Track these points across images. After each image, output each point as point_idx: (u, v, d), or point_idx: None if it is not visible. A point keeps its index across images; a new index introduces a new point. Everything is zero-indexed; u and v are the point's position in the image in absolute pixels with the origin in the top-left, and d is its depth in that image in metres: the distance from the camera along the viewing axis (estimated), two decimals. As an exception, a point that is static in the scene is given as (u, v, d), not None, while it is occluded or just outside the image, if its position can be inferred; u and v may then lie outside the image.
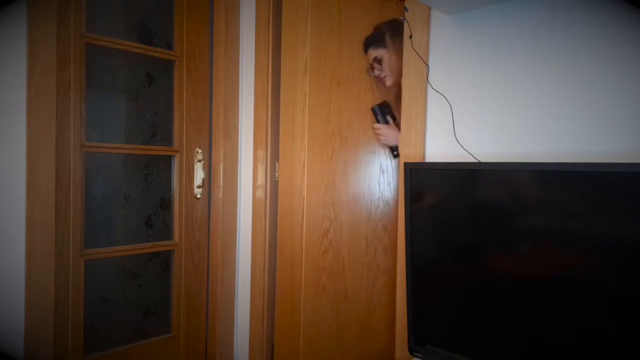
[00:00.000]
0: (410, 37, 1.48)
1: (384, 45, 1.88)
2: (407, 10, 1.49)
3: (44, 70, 1.60)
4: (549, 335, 1.06)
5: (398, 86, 1.87)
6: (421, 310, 1.32)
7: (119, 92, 1.93)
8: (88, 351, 1.81)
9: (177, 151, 2.07)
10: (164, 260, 2.09)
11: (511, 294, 1.13)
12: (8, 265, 1.55)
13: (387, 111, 1.94)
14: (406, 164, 1.32)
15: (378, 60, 1.90)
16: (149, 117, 2.02)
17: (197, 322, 2.16)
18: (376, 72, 1.93)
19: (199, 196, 2.14)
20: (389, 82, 1.92)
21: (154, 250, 2.03)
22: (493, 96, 1.34)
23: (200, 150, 2.13)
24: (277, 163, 2.07)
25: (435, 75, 1.45)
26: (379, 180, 2.04)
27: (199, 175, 2.13)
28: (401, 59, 1.86)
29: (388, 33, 1.87)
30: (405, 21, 1.50)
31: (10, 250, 1.55)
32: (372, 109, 1.94)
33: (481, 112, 1.36)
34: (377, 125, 1.94)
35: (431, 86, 1.46)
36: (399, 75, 1.85)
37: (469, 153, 1.37)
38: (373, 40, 1.91)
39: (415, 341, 1.32)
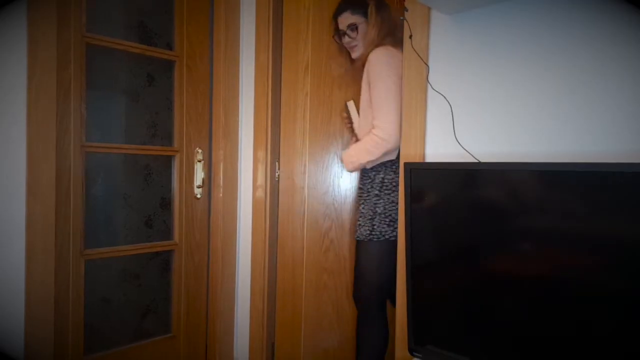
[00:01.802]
0: (410, 37, 1.48)
1: (364, 14, 1.72)
2: (407, 11, 1.49)
3: (44, 70, 1.60)
4: (549, 335, 1.06)
5: (363, 61, 1.71)
6: (421, 310, 1.32)
7: (119, 92, 1.93)
8: (88, 351, 1.81)
9: (177, 151, 2.07)
10: (164, 260, 2.09)
11: (511, 294, 1.14)
12: (8, 265, 1.55)
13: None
14: (406, 164, 1.32)
15: (353, 28, 1.73)
16: (149, 117, 2.01)
17: (197, 322, 2.16)
18: (347, 40, 1.76)
19: (199, 196, 2.14)
20: (356, 53, 1.76)
21: (154, 250, 2.03)
22: (493, 96, 1.34)
23: (200, 150, 2.13)
24: (277, 163, 2.07)
25: (435, 75, 1.46)
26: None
27: (199, 175, 2.13)
28: (379, 35, 1.68)
29: (372, 3, 1.72)
30: (405, 21, 1.50)
31: (10, 250, 1.55)
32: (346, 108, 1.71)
33: (481, 112, 1.36)
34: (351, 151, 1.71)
35: (431, 86, 1.46)
36: (368, 49, 1.69)
37: (469, 153, 1.37)
38: (351, 5, 1.75)
39: (415, 341, 1.32)
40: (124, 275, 1.97)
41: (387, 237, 1.63)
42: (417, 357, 1.33)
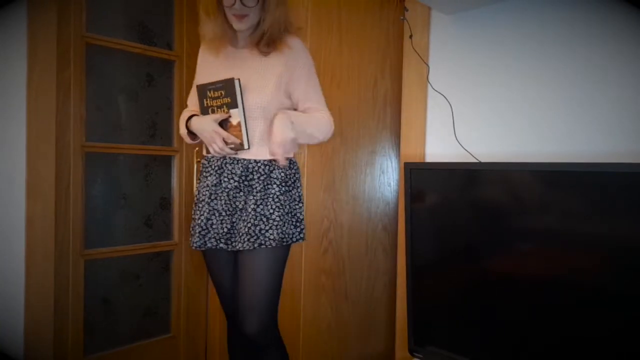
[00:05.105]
0: (410, 37, 1.48)
1: None
2: (407, 10, 1.49)
3: (44, 69, 1.60)
4: (549, 335, 1.06)
5: (257, 39, 1.40)
6: (421, 311, 1.32)
7: (119, 91, 1.93)
8: (88, 351, 1.81)
9: (177, 151, 2.07)
10: (164, 260, 2.09)
11: (511, 295, 1.13)
12: (8, 265, 1.55)
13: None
14: (406, 164, 1.32)
15: None
16: (149, 116, 2.01)
17: (197, 322, 2.16)
18: (238, 6, 1.31)
19: (199, 196, 2.13)
20: (243, 25, 1.35)
21: (154, 250, 2.03)
22: (494, 96, 1.34)
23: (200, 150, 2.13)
24: (277, 163, 2.06)
25: (436, 75, 1.45)
26: (379, 180, 2.04)
27: (199, 175, 2.13)
28: (284, 18, 1.38)
29: None
30: (405, 21, 1.50)
31: (10, 250, 1.55)
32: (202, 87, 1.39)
33: (482, 111, 1.36)
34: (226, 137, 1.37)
35: (431, 86, 1.46)
36: (271, 28, 1.37)
37: (469, 153, 1.37)
38: None
39: (416, 341, 1.32)
40: (123, 275, 1.97)
41: (294, 240, 1.43)
42: (417, 357, 1.32)
